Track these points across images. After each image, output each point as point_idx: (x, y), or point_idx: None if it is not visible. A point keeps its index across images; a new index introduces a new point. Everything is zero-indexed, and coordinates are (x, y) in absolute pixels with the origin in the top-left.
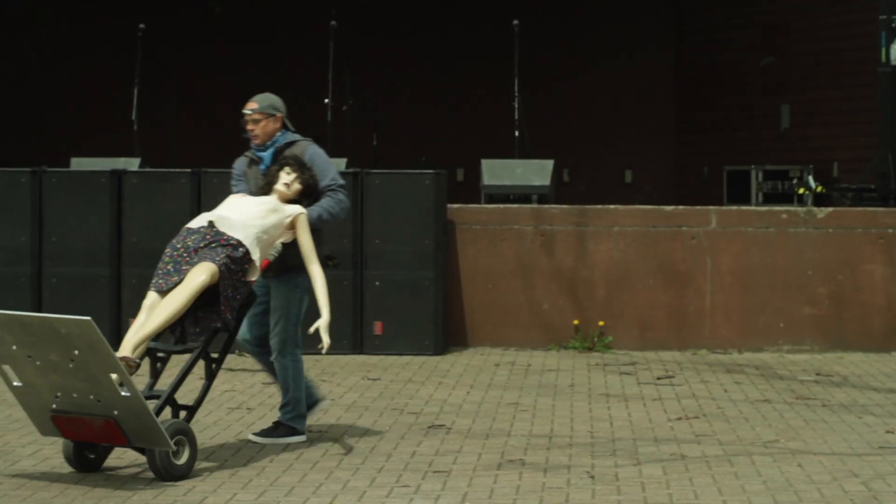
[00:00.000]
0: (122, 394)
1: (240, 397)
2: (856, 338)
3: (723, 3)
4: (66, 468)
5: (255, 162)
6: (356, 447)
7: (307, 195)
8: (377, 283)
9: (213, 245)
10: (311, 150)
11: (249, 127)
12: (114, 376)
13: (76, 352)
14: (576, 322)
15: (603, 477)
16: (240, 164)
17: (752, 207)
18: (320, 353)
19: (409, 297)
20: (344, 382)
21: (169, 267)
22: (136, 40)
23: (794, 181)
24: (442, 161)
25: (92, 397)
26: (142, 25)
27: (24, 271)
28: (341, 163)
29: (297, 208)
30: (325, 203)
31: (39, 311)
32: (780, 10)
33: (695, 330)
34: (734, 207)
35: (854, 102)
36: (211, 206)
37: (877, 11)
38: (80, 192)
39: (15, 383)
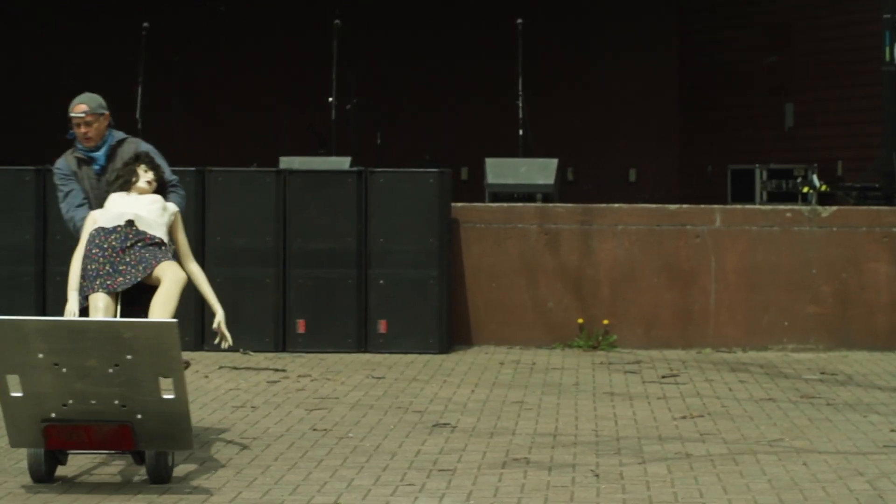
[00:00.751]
0: (164, 397)
1: (244, 396)
2: (860, 336)
3: (725, 2)
4: (69, 468)
5: (85, 162)
6: (361, 445)
7: (159, 192)
8: (381, 281)
9: (140, 244)
10: (145, 146)
11: (82, 129)
12: (163, 379)
13: (129, 356)
14: (580, 321)
15: (608, 475)
16: (66, 163)
17: (757, 206)
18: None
19: (413, 295)
20: (348, 381)
21: (107, 268)
22: (140, 39)
23: (799, 180)
24: (446, 160)
25: (117, 402)
26: (145, 24)
27: (27, 270)
28: (345, 161)
29: (174, 206)
30: (175, 199)
31: (43, 310)
32: (783, 10)
33: (699, 329)
34: (738, 206)
35: (858, 101)
36: (216, 205)
37: (880, 10)
38: None
39: (13, 394)
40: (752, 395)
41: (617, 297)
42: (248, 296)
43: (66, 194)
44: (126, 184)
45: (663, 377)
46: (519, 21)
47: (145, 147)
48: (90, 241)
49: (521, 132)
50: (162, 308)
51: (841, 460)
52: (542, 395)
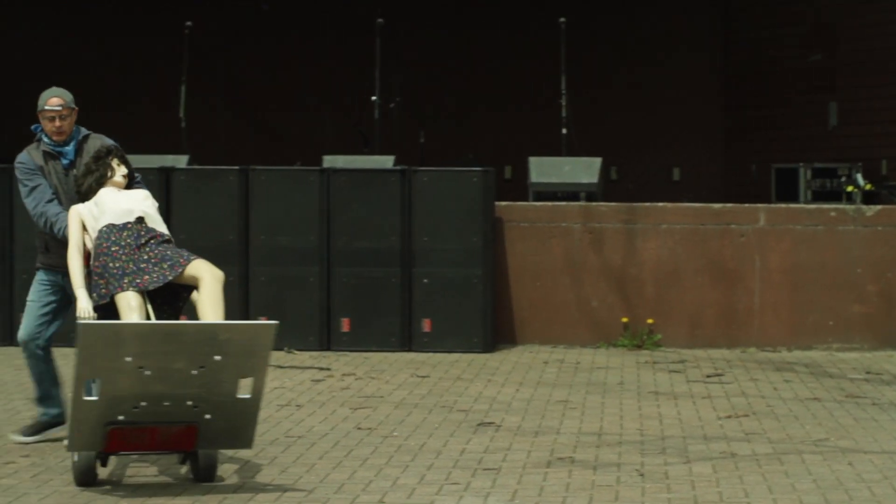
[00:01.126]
0: (239, 396)
1: (289, 394)
2: None
3: (769, 1)
4: (112, 468)
5: (53, 156)
6: (405, 444)
7: (128, 187)
8: (425, 280)
9: (154, 242)
10: (109, 141)
11: (57, 123)
12: (243, 380)
13: (217, 357)
14: (625, 320)
15: (653, 475)
16: (30, 158)
17: (801, 205)
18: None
19: (457, 294)
20: (393, 380)
21: (131, 266)
22: (183, 38)
23: (843, 179)
24: (489, 158)
25: (189, 403)
26: (189, 23)
27: None
28: (389, 160)
29: (155, 202)
30: None
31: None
32: (828, 8)
33: (744, 328)
34: (783, 205)
35: None
36: (260, 204)
37: None
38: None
39: (87, 398)
40: (797, 394)
41: (661, 297)
42: (293, 295)
43: (33, 189)
44: (102, 178)
45: (708, 376)
46: (562, 20)
47: (110, 142)
48: (105, 239)
49: (564, 131)
50: (214, 308)
51: (886, 460)
52: (587, 395)
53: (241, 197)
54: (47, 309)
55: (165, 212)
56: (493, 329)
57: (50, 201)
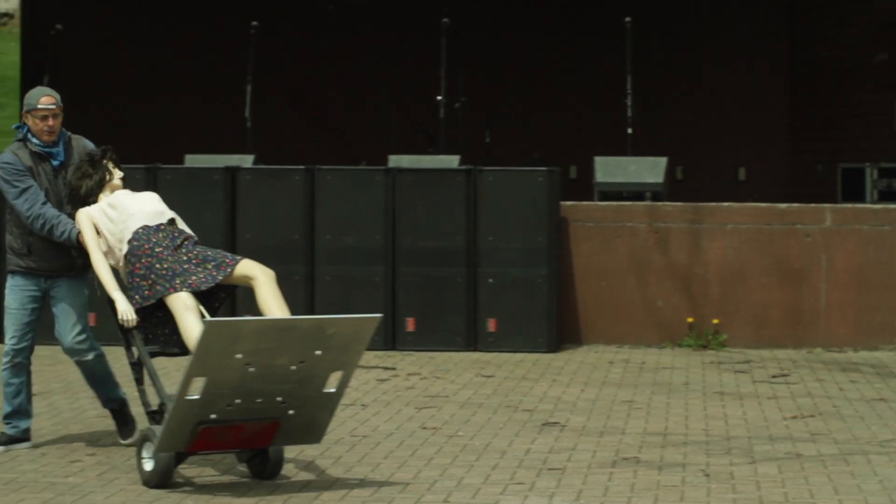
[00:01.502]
0: (325, 391)
1: (354, 394)
2: None
3: (835, 0)
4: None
5: (42, 157)
6: (470, 444)
7: None
8: (490, 280)
9: (189, 243)
10: (89, 143)
11: (50, 122)
12: (335, 374)
13: (318, 352)
14: (690, 320)
15: (718, 475)
16: (18, 159)
17: (867, 205)
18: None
19: (522, 294)
20: (458, 379)
21: (175, 267)
22: (249, 38)
23: None
24: (554, 158)
25: (279, 399)
26: (254, 23)
27: None
28: (454, 160)
29: None
30: None
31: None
32: (893, 6)
33: (810, 328)
34: (849, 205)
35: None
36: (325, 204)
37: None
38: (195, 188)
39: (190, 397)
40: (863, 395)
41: (727, 297)
42: (358, 294)
43: (24, 191)
44: (102, 181)
45: (773, 377)
46: (627, 19)
47: (90, 143)
48: (146, 240)
49: (629, 131)
50: (280, 305)
51: None
52: (652, 395)
53: (307, 196)
54: (33, 317)
55: (231, 211)
56: (559, 329)
57: (45, 203)
